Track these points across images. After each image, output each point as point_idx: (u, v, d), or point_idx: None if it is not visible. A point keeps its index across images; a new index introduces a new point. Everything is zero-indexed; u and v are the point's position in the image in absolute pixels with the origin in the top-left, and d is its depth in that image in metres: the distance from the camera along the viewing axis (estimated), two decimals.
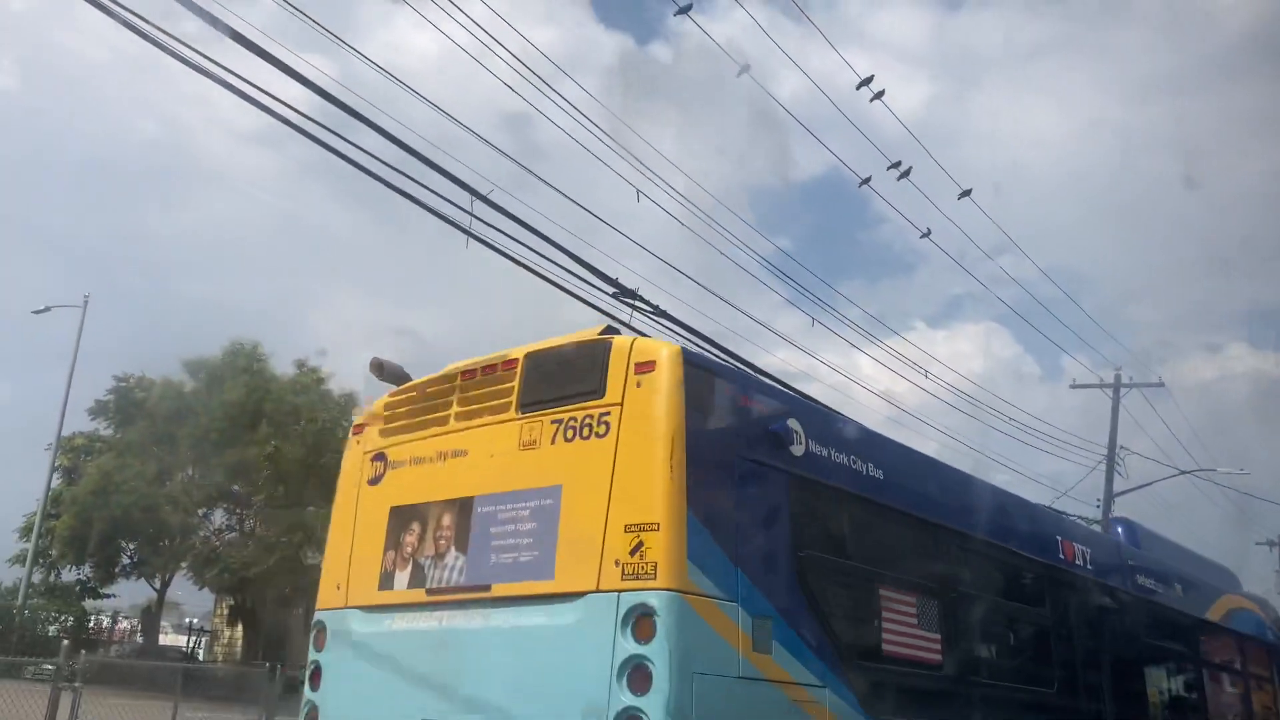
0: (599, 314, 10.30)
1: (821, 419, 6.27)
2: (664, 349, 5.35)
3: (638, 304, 11.20)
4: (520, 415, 5.69)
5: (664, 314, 11.51)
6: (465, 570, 5.63)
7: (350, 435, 6.74)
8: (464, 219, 9.10)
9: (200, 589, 30.83)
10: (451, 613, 5.60)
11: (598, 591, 4.94)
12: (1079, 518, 25.37)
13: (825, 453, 5.90)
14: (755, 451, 5.50)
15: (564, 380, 5.58)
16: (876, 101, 13.98)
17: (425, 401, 6.29)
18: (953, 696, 6.45)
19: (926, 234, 17.67)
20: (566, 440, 5.40)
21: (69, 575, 29.59)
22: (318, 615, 6.42)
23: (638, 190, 12.09)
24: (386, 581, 6.00)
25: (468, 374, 6.09)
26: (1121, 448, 26.55)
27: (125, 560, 30.34)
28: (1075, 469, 26.52)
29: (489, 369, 5.99)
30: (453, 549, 5.75)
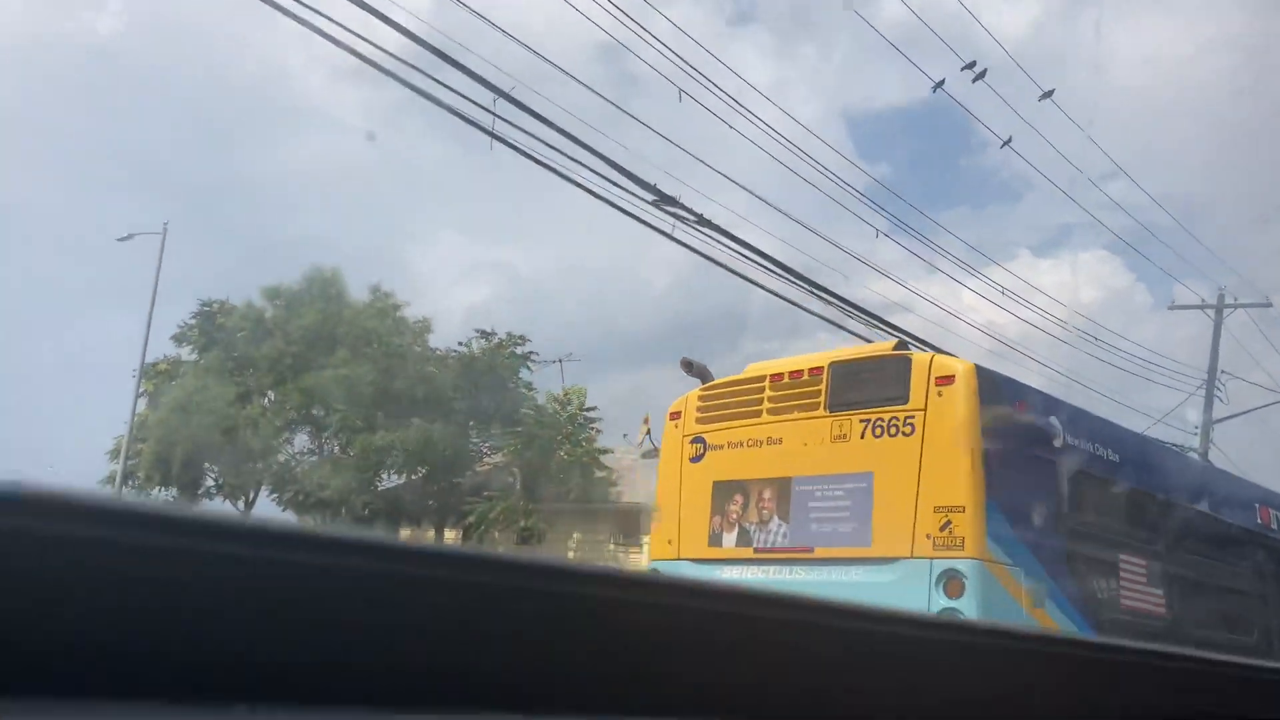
0: (640, 225, 10.05)
1: (1072, 416, 7.32)
2: (960, 365, 6.79)
3: (680, 212, 10.79)
4: (830, 413, 7.11)
5: (708, 223, 11.08)
6: (788, 535, 7.07)
7: (668, 420, 8.13)
8: (494, 122, 8.73)
9: (282, 510, 31.29)
10: (777, 568, 7.01)
11: (912, 558, 6.33)
12: (1176, 446, 24.64)
13: (1077, 443, 7.09)
14: (1030, 446, 6.87)
15: (870, 387, 7.00)
16: (982, 15, 13.31)
17: (737, 397, 7.71)
18: (1175, 641, 7.75)
19: (1007, 142, 17.29)
20: (875, 436, 6.79)
21: (157, 496, 30.14)
22: (651, 564, 8.14)
23: (679, 90, 11.49)
24: (715, 540, 7.45)
25: (776, 377, 7.53)
26: (1223, 372, 25.52)
27: (210, 482, 30.76)
28: (1180, 398, 25.48)
29: (796, 374, 7.43)
30: (775, 517, 7.19)
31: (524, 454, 25.44)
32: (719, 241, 11.79)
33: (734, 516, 7.41)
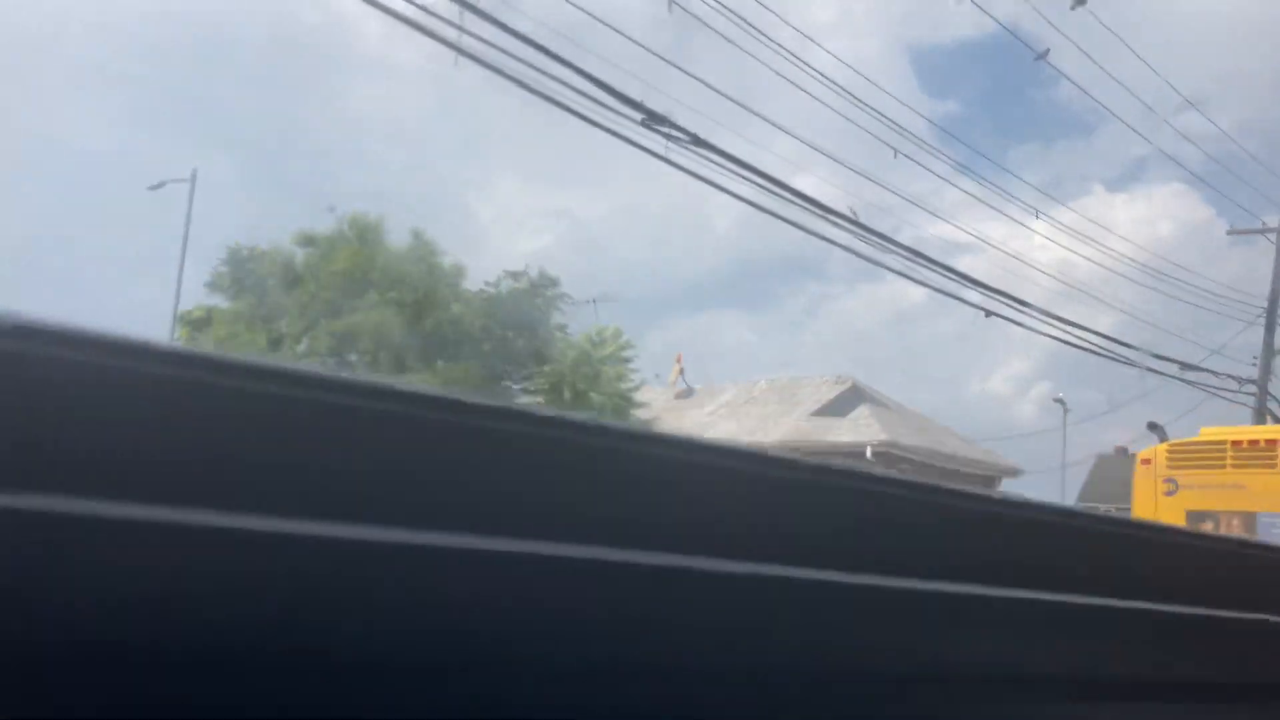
0: (631, 146, 9.80)
1: None
2: None
3: (673, 132, 10.46)
4: None
5: (702, 142, 10.73)
6: None
7: (1139, 464, 10.85)
8: (461, 36, 8.37)
9: None
10: None
11: None
12: (1230, 376, 23.50)
13: None
14: None
15: None
16: None
17: (1202, 453, 10.28)
18: None
19: (1044, 55, 16.56)
20: None
21: None
22: None
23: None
24: None
25: (1236, 443, 10.06)
26: None
27: None
28: (1250, 329, 24.26)
29: (1254, 443, 10.07)
30: None
31: (552, 397, 25.06)
32: (768, 189, 11.63)
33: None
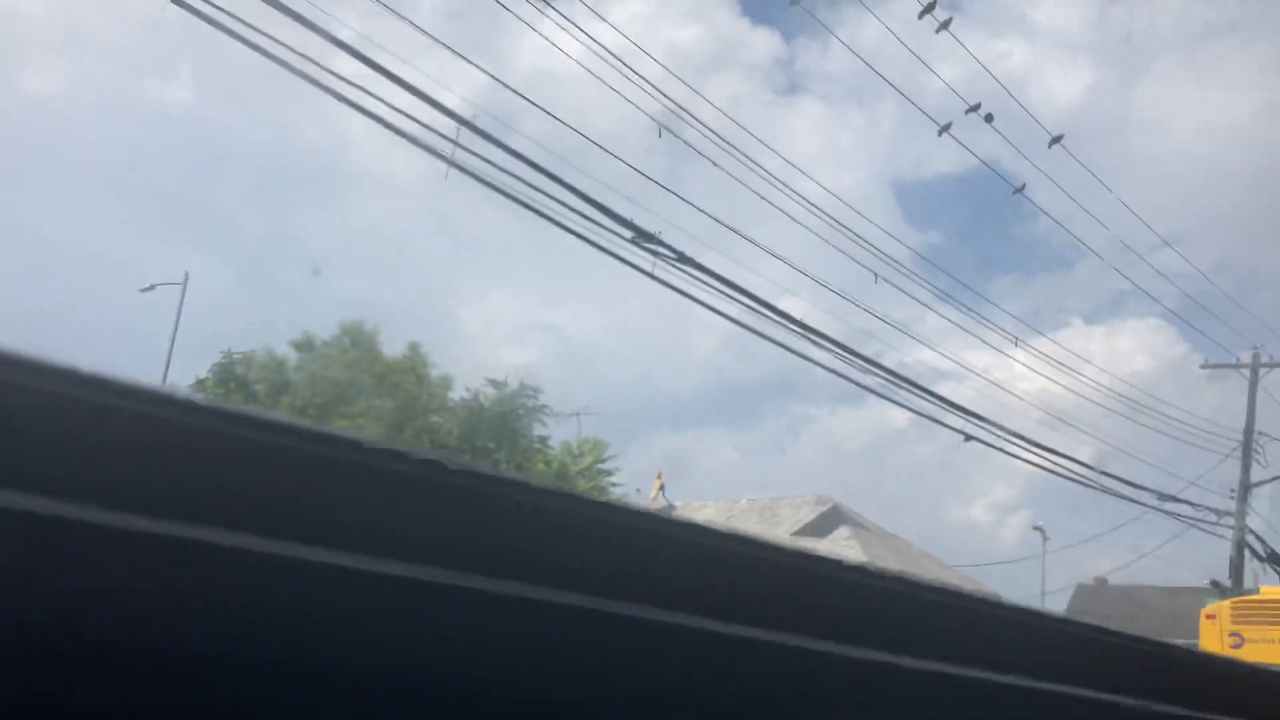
0: (619, 262, 10.07)
1: None
2: None
3: (659, 249, 10.73)
4: None
5: (690, 260, 11.00)
6: None
7: (1204, 619, 11.84)
8: (454, 151, 8.69)
9: None
10: None
11: None
12: (1209, 509, 23.65)
13: None
14: None
15: None
16: (1033, 86, 13.73)
17: (1263, 609, 11.48)
18: None
19: (1021, 189, 17.29)
20: None
21: None
22: None
23: (660, 125, 11.44)
24: None
25: None
26: (1260, 433, 24.56)
27: None
28: (1227, 461, 24.48)
29: None
30: None
31: None
32: (754, 308, 11.93)
33: None
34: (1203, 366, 26.77)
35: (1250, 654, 11.00)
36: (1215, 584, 14.16)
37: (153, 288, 31.09)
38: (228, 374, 29.68)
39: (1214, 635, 11.71)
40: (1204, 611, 12.32)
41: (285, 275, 43.51)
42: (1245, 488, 24.38)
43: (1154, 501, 22.30)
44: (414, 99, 8.35)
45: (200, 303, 29.25)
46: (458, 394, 27.85)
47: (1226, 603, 12.27)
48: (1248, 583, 24.50)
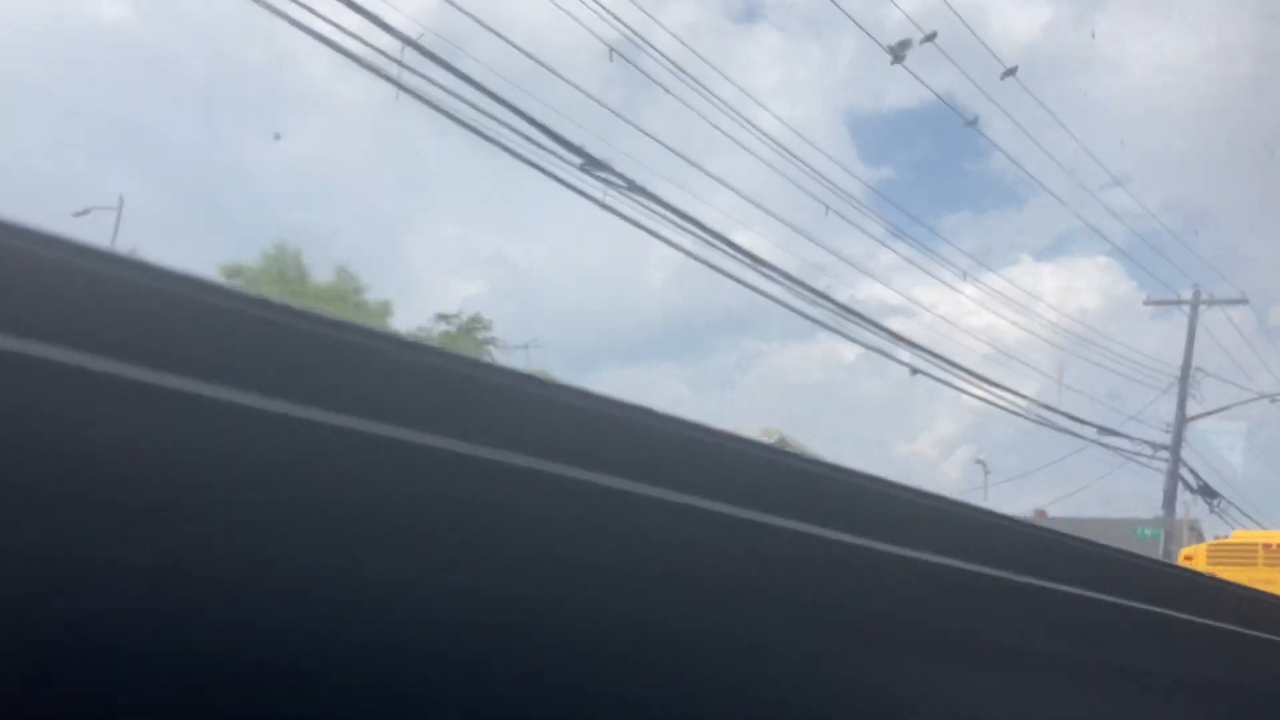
0: (570, 191, 9.92)
1: None
2: None
3: (610, 178, 10.59)
4: None
5: (640, 189, 10.87)
6: None
7: (1181, 559, 12.37)
8: (401, 72, 8.45)
9: None
10: None
11: None
12: (1146, 442, 24.17)
13: None
14: None
15: None
16: (990, 21, 13.62)
17: (1238, 551, 12.07)
18: None
19: (973, 122, 17.28)
20: None
21: None
22: None
23: (610, 49, 11.20)
24: None
25: (1267, 545, 11.73)
26: (1197, 369, 25.06)
27: None
28: (1166, 397, 24.97)
29: None
30: None
31: None
32: (706, 239, 11.79)
33: None
34: (1146, 303, 27.21)
35: None
36: (1192, 526, 17.54)
37: (87, 212, 30.13)
38: None
39: None
40: (1182, 553, 13.13)
41: (225, 201, 42.37)
42: (1181, 423, 24.94)
43: (1094, 435, 22.75)
44: (361, 19, 8.00)
45: (136, 228, 28.34)
46: (405, 326, 27.42)
47: (1203, 546, 13.24)
48: (1179, 514, 25.21)
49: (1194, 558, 12.52)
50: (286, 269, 28.94)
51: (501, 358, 26.97)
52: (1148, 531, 25.57)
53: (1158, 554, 25.07)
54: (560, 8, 10.70)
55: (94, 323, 0.50)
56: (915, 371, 17.13)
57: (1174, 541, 23.93)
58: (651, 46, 11.84)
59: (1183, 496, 25.06)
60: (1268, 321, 25.40)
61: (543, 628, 0.67)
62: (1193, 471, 24.72)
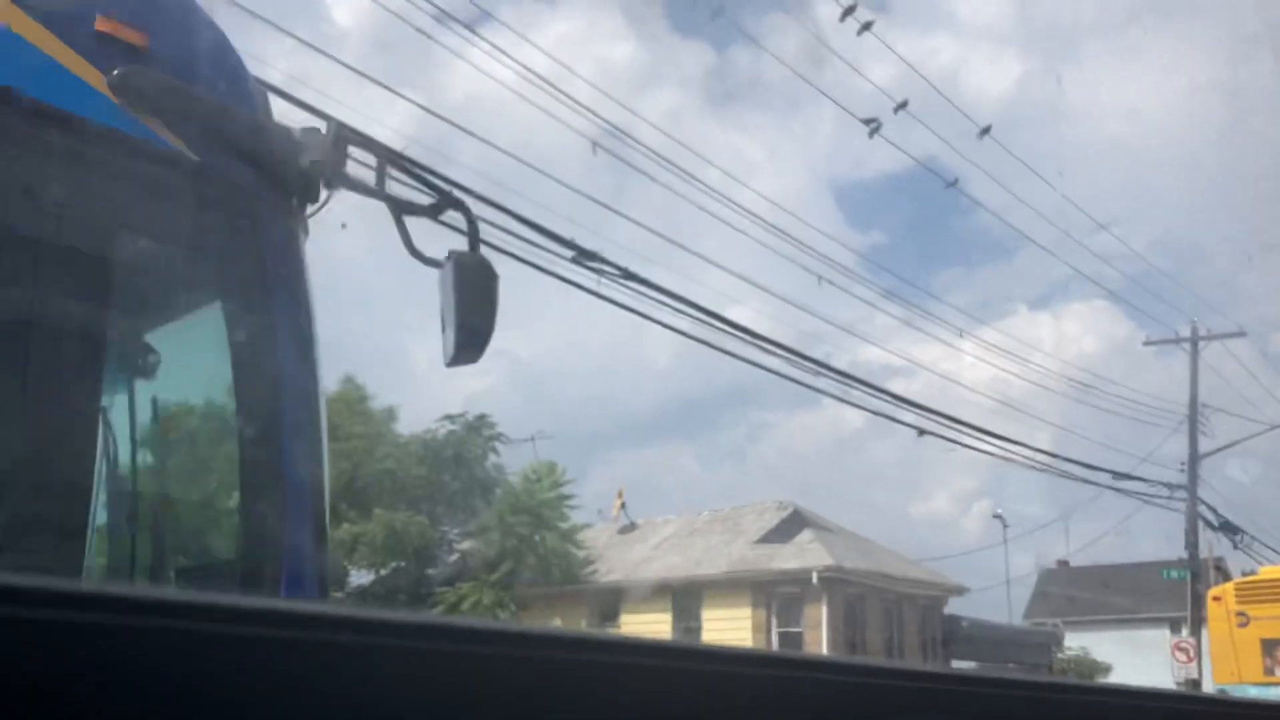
0: (562, 282, 10.05)
1: None
2: None
3: (603, 267, 10.71)
4: None
5: (634, 276, 10.98)
6: None
7: (1210, 600, 13.34)
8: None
9: None
10: None
11: None
12: (1161, 484, 23.95)
13: None
14: None
15: None
16: (963, 82, 14.19)
17: (1263, 590, 12.63)
18: None
19: (954, 183, 17.71)
20: None
21: None
22: (1218, 686, 12.44)
23: (593, 144, 11.46)
24: (1269, 671, 12.04)
25: None
26: (1204, 405, 24.99)
27: None
28: (1175, 435, 24.90)
29: None
30: None
31: (504, 542, 24.65)
32: (703, 320, 11.94)
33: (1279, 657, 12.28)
34: (1146, 343, 27.26)
35: (1255, 632, 12.23)
36: (1219, 566, 17.60)
37: None
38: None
39: (1221, 616, 12.73)
40: (1210, 594, 13.44)
41: None
42: (1194, 460, 24.79)
43: (1109, 481, 22.60)
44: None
45: None
46: (406, 427, 27.43)
47: (1230, 585, 13.54)
48: (1203, 554, 24.90)
49: (1223, 598, 12.83)
50: None
51: (508, 453, 26.94)
52: (1174, 573, 25.27)
53: (1185, 595, 24.73)
54: (540, 108, 10.95)
55: None
56: (922, 433, 17.10)
57: (1200, 581, 23.59)
58: (633, 138, 12.09)
59: (1204, 535, 24.79)
60: (1269, 350, 25.43)
61: None
62: (1211, 509, 24.53)
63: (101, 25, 2.52)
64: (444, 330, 3.00)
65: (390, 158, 3.43)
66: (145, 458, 3.00)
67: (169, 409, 3.07)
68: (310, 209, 2.94)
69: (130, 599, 0.55)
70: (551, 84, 11.09)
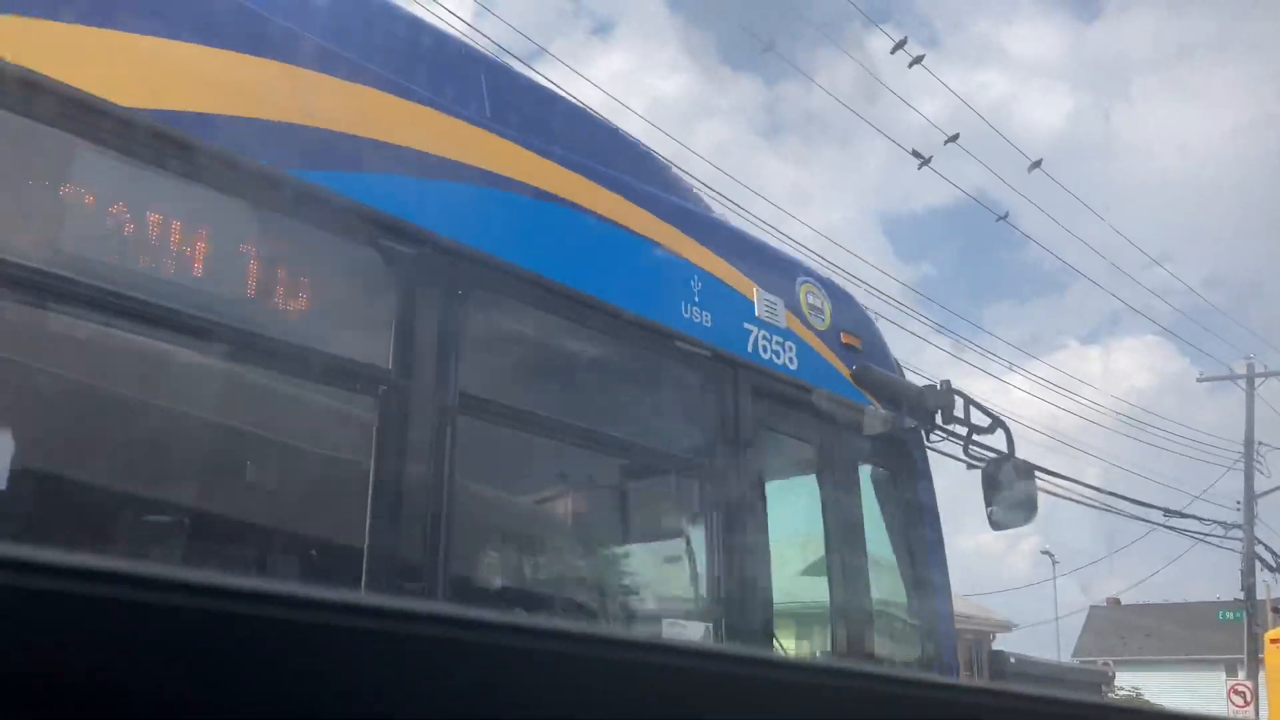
0: None
1: None
2: None
3: None
4: None
5: None
6: None
7: (1268, 643, 13.08)
8: None
9: None
10: None
11: None
12: (1216, 522, 23.56)
13: None
14: None
15: None
16: (1014, 116, 14.38)
17: None
18: None
19: (1004, 216, 18.00)
20: None
21: None
22: None
23: None
24: None
25: None
26: (1260, 444, 24.57)
27: None
28: (1231, 473, 24.50)
29: None
30: None
31: None
32: None
33: None
34: (1200, 380, 26.88)
35: None
36: (1276, 609, 18.08)
37: None
38: None
39: (1278, 659, 12.70)
40: (1267, 636, 13.43)
41: None
42: (1250, 498, 24.35)
43: (1161, 519, 22.27)
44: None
45: None
46: None
47: None
48: (1260, 594, 24.40)
49: (1276, 641, 12.64)
50: None
51: None
52: (1230, 615, 24.73)
53: (1241, 636, 24.19)
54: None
55: None
56: (971, 466, 16.99)
57: (1257, 624, 23.11)
58: (683, 169, 12.27)
59: (1261, 575, 24.30)
60: None
61: None
62: (1268, 548, 24.05)
63: (845, 339, 4.71)
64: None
65: (967, 400, 5.35)
66: (871, 583, 4.79)
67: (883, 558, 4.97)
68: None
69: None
70: (604, 118, 11.29)
